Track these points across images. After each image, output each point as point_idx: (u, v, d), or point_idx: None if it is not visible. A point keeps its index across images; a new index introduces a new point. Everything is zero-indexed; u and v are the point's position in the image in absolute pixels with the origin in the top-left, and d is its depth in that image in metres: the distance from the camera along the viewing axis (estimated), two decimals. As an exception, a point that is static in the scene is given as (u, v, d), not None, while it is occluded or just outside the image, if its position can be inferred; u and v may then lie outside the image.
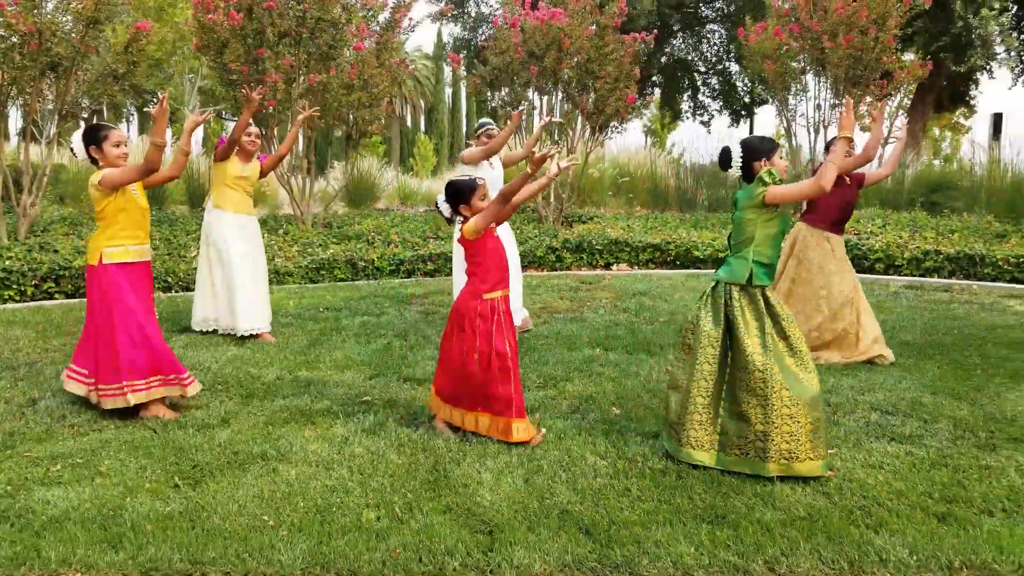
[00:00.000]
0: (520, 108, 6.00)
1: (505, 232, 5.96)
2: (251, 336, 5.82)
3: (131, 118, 39.15)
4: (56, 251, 8.19)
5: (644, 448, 3.53)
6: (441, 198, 3.81)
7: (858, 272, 8.93)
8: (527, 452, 3.50)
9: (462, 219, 3.76)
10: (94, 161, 4.07)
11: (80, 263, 7.70)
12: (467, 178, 3.80)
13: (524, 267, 9.81)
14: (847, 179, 5.19)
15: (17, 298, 7.37)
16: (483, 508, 2.97)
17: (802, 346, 3.28)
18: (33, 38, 8.50)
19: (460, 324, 3.72)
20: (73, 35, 8.94)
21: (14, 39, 8.58)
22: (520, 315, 6.04)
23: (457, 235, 3.80)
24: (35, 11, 8.55)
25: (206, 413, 4.11)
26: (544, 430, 3.72)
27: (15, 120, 11.15)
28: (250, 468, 3.38)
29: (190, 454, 3.53)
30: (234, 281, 5.77)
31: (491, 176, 5.92)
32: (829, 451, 3.45)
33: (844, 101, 3.42)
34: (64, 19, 9.07)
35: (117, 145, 4.04)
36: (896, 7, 10.49)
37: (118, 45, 9.72)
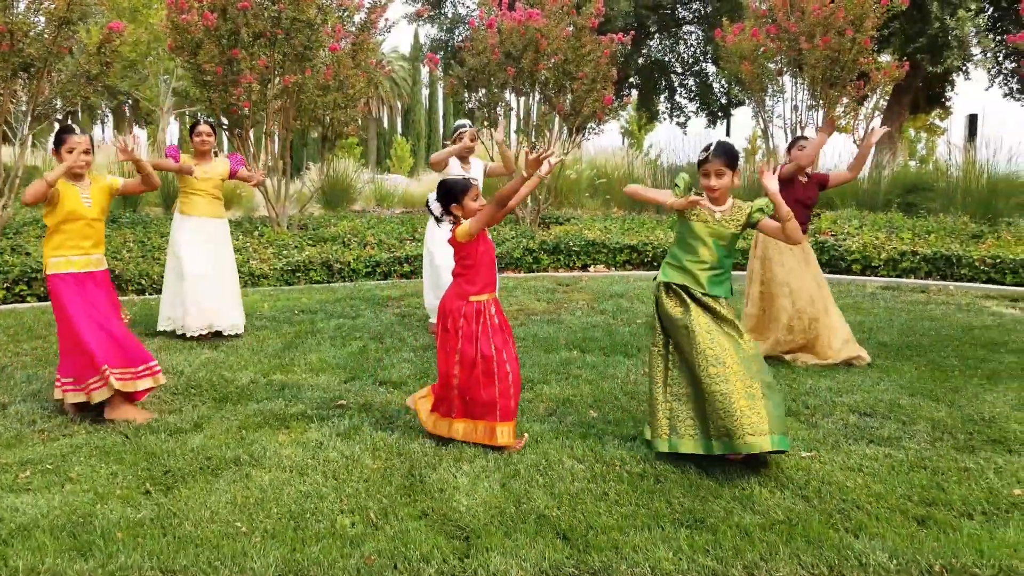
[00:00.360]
0: (470, 127, 5.91)
1: None
2: (208, 336, 5.86)
3: (106, 119, 38.67)
4: (28, 253, 8.06)
5: (622, 451, 3.52)
6: (433, 196, 3.78)
7: (834, 273, 9.10)
8: (504, 456, 3.47)
9: (452, 219, 3.73)
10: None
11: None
12: (460, 178, 3.80)
13: (501, 269, 9.80)
14: (803, 179, 5.22)
15: (-14, 301, 7.24)
16: (459, 513, 2.94)
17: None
18: (4, 39, 8.35)
19: (444, 324, 3.71)
20: (45, 35, 8.80)
21: (-17, 39, 8.42)
22: None
23: (447, 236, 3.76)
24: (6, 11, 8.41)
25: (179, 418, 4.05)
26: (527, 435, 3.70)
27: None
28: (223, 474, 3.32)
29: (162, 459, 3.47)
30: (184, 283, 5.82)
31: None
32: (806, 454, 3.47)
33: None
34: (36, 19, 8.93)
35: (70, 151, 4.03)
36: (873, 8, 10.57)
37: (91, 46, 9.58)
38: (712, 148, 3.41)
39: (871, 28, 10.61)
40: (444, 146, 6.06)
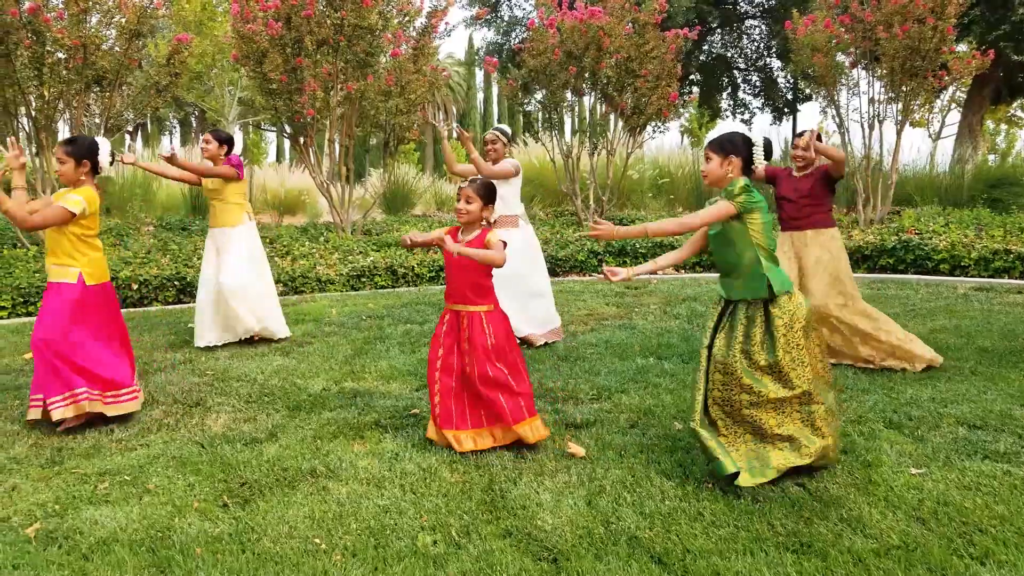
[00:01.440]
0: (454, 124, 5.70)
1: (520, 238, 5.75)
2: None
3: (174, 130, 39.83)
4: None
5: (712, 466, 3.32)
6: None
7: (921, 273, 8.67)
8: (587, 471, 3.31)
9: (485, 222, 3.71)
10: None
11: (126, 273, 7.71)
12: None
13: (566, 272, 9.64)
14: (796, 173, 4.92)
15: (64, 310, 7.39)
16: (545, 533, 2.79)
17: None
18: (78, 52, 8.57)
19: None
20: (116, 48, 9.01)
21: (60, 54, 8.66)
22: (548, 326, 5.85)
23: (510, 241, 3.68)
24: (79, 26, 8.63)
25: (253, 427, 4.01)
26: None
27: (64, 134, 11.30)
28: (299, 486, 3.25)
29: (238, 471, 3.42)
30: (199, 294, 6.00)
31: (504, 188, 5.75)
32: (916, 471, 3.21)
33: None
34: (108, 32, 9.15)
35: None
36: None
37: (160, 58, 9.78)
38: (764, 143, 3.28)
39: (953, 15, 10.10)
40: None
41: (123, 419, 4.15)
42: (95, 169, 4.13)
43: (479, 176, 3.74)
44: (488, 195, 3.67)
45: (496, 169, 5.71)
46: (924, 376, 4.66)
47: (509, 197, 5.78)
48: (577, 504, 3.01)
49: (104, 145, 4.16)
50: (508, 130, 5.96)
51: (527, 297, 5.74)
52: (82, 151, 4.06)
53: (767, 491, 3.07)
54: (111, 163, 4.25)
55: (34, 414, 3.99)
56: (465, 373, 3.65)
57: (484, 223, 3.70)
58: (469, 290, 3.65)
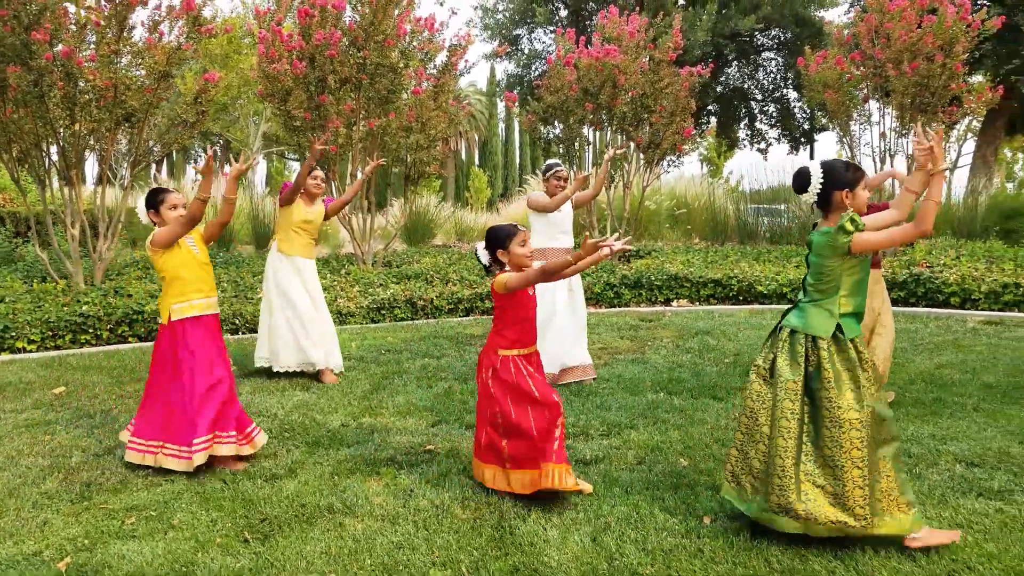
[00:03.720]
0: (586, 174, 5.82)
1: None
2: (314, 374, 6.05)
3: (199, 160, 40.62)
4: (130, 296, 8.47)
5: (715, 503, 3.43)
6: (481, 245, 3.75)
7: (932, 306, 8.71)
8: (594, 507, 3.43)
9: (499, 266, 3.70)
10: (155, 224, 4.21)
11: (152, 307, 7.94)
12: (506, 224, 3.75)
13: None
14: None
15: (93, 342, 7.63)
16: (550, 569, 2.91)
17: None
18: (108, 91, 8.89)
19: (478, 374, 3.77)
20: (146, 86, 9.33)
21: (90, 94, 8.99)
22: (583, 362, 5.91)
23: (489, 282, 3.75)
24: (110, 66, 8.96)
25: (274, 463, 4.16)
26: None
27: (92, 166, 11.61)
28: (317, 522, 3.39)
29: (259, 506, 3.57)
30: (303, 319, 5.99)
31: (558, 218, 5.91)
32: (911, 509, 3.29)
33: (934, 131, 3.15)
34: (138, 73, 9.48)
35: (174, 208, 4.18)
36: (964, 32, 10.19)
37: (187, 94, 10.11)
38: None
39: (962, 52, 10.22)
40: (523, 181, 6.07)
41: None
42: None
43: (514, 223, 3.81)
44: (488, 243, 3.71)
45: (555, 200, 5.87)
46: (927, 412, 4.75)
47: (555, 230, 5.92)
48: (583, 540, 3.13)
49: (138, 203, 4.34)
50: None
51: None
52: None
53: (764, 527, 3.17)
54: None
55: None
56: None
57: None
58: None
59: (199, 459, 3.98)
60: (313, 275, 6.19)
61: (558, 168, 5.92)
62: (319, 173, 6.13)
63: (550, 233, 5.91)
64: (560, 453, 3.48)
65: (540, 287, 5.80)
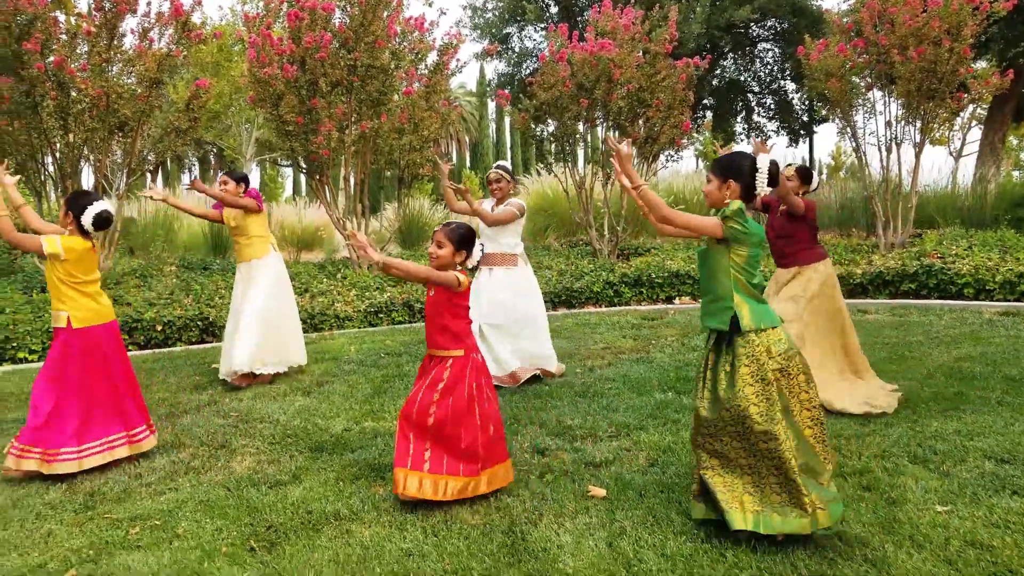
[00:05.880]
0: (458, 186, 5.70)
1: (509, 276, 5.81)
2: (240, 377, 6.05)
3: (192, 168, 40.56)
4: (129, 304, 8.40)
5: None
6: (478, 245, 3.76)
7: (945, 298, 8.63)
8: (608, 512, 3.36)
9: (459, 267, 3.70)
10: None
11: (151, 315, 7.88)
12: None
13: (582, 303, 9.71)
14: (779, 207, 4.90)
15: (90, 352, 7.55)
16: None
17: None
18: (101, 100, 8.83)
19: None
20: (138, 94, 9.27)
21: (84, 103, 8.93)
22: (548, 363, 5.87)
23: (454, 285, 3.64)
24: (102, 75, 8.90)
25: (277, 469, 4.10)
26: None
27: (87, 176, 11.56)
28: (323, 529, 3.33)
29: (264, 514, 3.51)
30: (227, 327, 6.23)
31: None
32: (942, 508, 3.20)
33: (615, 147, 3.16)
34: (129, 81, 9.42)
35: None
36: (972, 15, 10.00)
37: (179, 102, 10.05)
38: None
39: (970, 36, 10.01)
40: (511, 183, 5.97)
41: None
42: (80, 225, 4.24)
43: (453, 221, 3.75)
44: (460, 240, 3.63)
45: (500, 215, 5.77)
46: (949, 407, 4.62)
47: (508, 237, 5.88)
48: (598, 546, 3.06)
49: (94, 208, 4.23)
50: (509, 166, 6.00)
51: (520, 333, 5.79)
52: (71, 205, 4.28)
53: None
54: (94, 227, 4.26)
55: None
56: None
57: (460, 267, 3.67)
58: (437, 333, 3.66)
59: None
60: (257, 272, 6.18)
61: (490, 171, 5.96)
62: (223, 177, 6.10)
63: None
64: (417, 459, 3.53)
65: (526, 293, 5.80)
